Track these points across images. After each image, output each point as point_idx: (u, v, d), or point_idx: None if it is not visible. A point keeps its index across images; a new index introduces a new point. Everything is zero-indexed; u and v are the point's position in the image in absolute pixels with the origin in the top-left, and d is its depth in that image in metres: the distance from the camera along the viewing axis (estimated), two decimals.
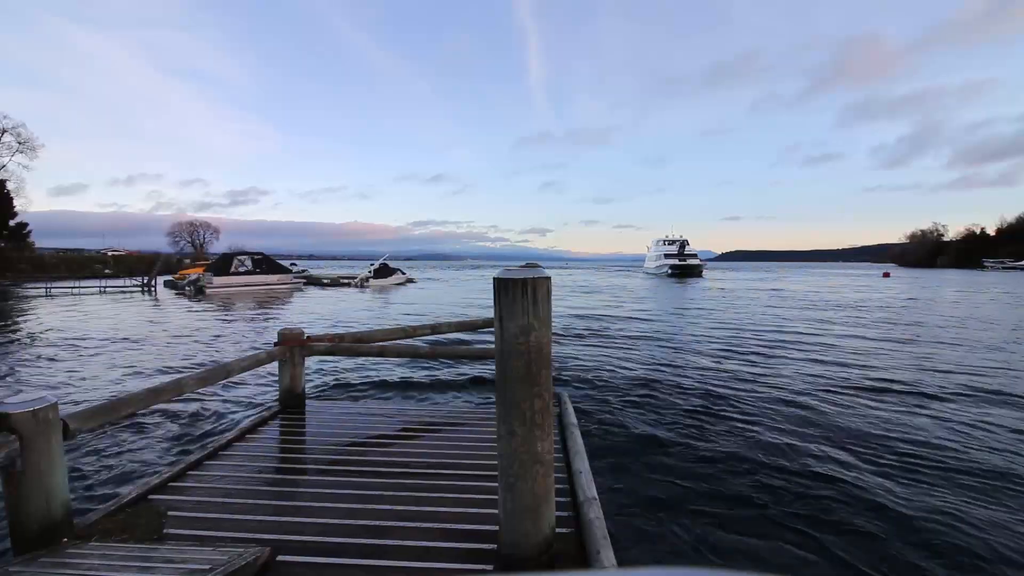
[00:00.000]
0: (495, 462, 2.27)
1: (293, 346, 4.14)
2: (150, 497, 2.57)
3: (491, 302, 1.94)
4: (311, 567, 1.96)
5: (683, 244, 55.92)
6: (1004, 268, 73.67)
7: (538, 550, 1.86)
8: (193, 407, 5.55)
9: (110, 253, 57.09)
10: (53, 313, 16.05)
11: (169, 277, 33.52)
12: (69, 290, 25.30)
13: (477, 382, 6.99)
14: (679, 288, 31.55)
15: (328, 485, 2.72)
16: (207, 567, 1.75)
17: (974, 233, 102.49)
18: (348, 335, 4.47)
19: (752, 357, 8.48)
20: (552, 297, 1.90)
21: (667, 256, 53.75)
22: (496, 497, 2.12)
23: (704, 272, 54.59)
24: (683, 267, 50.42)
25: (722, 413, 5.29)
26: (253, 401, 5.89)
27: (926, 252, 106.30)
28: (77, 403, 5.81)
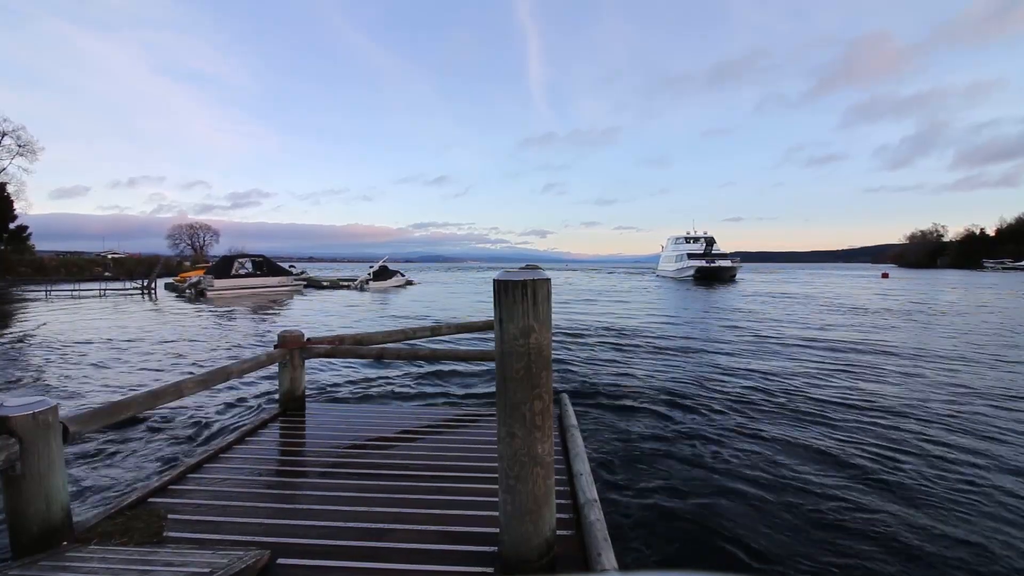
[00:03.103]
0: (495, 464, 2.26)
1: (293, 348, 4.14)
2: (150, 500, 2.57)
3: (491, 304, 1.94)
4: (311, 570, 1.95)
5: (710, 242, 46.33)
6: (1004, 268, 73.70)
7: (539, 552, 1.85)
8: (193, 410, 5.55)
9: (110, 256, 57.13)
10: (54, 316, 16.05)
11: (170, 280, 33.55)
12: (69, 293, 25.32)
13: (477, 384, 6.98)
14: (719, 297, 24.19)
15: (328, 488, 2.71)
16: (207, 570, 1.75)
17: (974, 234, 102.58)
18: (348, 337, 4.46)
19: None
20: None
21: (690, 256, 43.88)
22: (496, 499, 2.11)
23: (738, 276, 43.58)
24: (712, 270, 40.26)
25: None
26: (253, 403, 5.89)
27: (926, 253, 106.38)
28: (77, 406, 5.80)
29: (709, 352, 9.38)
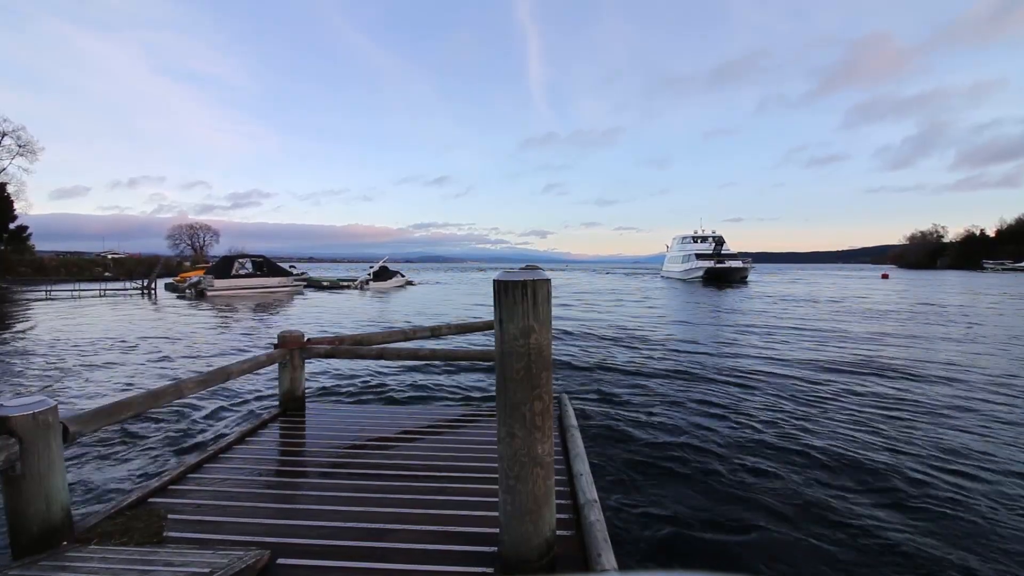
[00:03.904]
0: (495, 464, 2.26)
1: (293, 348, 4.14)
2: (150, 500, 2.57)
3: (490, 304, 1.93)
4: (311, 570, 1.95)
5: (719, 242, 44.28)
6: (1004, 270, 73.68)
7: (538, 552, 1.85)
8: (193, 410, 5.55)
9: (110, 256, 57.14)
10: (54, 316, 16.05)
11: (170, 280, 33.58)
12: (69, 293, 25.32)
13: (477, 384, 6.98)
14: (734, 301, 22.53)
15: (328, 488, 2.71)
16: (207, 570, 1.75)
17: (974, 235, 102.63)
18: (348, 337, 4.47)
19: None
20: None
21: (699, 256, 42.15)
22: (496, 499, 2.11)
23: (749, 277, 41.52)
24: (722, 271, 38.35)
25: None
26: (253, 403, 5.89)
27: (926, 253, 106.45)
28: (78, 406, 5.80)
29: (754, 373, 7.60)
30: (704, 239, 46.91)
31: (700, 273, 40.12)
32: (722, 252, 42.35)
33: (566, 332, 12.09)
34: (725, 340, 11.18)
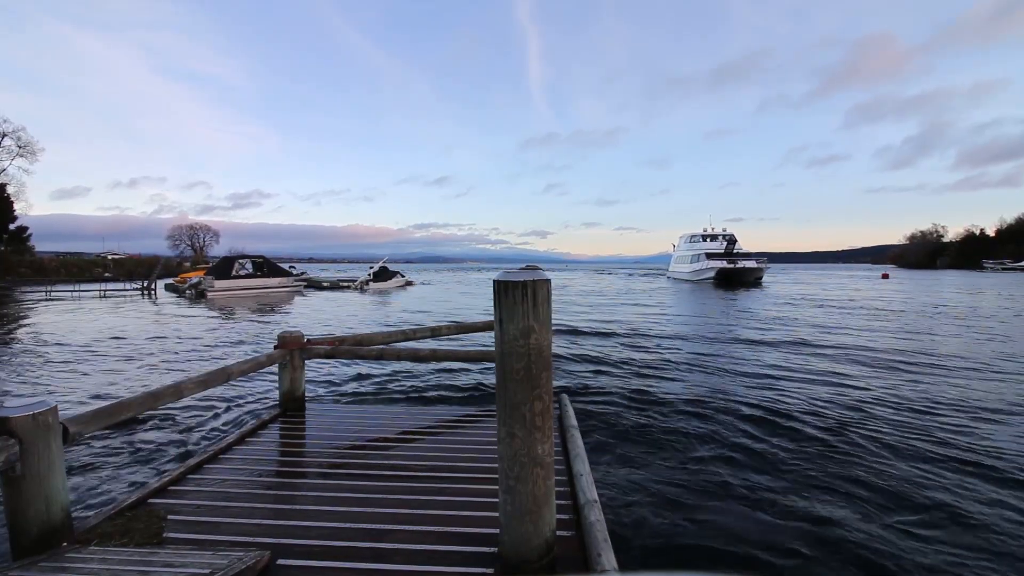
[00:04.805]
0: (495, 464, 2.26)
1: (293, 349, 4.14)
2: (150, 501, 2.57)
3: (490, 303, 1.93)
4: (311, 571, 1.95)
5: (731, 240, 41.80)
6: (1004, 269, 73.64)
7: (539, 553, 1.85)
8: (193, 410, 5.55)
9: (110, 256, 57.11)
10: (54, 317, 16.05)
11: (170, 280, 33.59)
12: (69, 294, 25.33)
13: (477, 385, 6.97)
14: (754, 304, 20.23)
15: (328, 488, 2.71)
16: (207, 571, 1.75)
17: (974, 234, 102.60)
18: (348, 338, 4.47)
19: None
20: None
21: (709, 256, 39.62)
22: (496, 500, 2.11)
23: (764, 277, 38.36)
24: (735, 272, 35.51)
25: None
26: (253, 404, 5.89)
27: (926, 253, 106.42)
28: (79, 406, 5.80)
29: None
30: (714, 238, 44.45)
31: (711, 274, 37.35)
32: (735, 251, 40.12)
33: (575, 331, 12.09)
34: (785, 364, 8.31)
